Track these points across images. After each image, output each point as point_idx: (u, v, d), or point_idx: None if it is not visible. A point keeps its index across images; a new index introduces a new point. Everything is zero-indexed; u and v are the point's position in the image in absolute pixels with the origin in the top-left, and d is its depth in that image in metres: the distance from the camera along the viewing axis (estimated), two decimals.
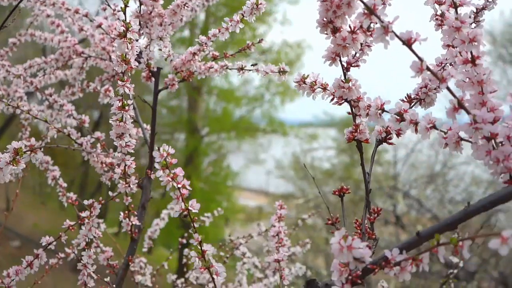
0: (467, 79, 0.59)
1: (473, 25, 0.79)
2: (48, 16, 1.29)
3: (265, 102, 11.94)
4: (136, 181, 0.99)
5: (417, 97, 0.76)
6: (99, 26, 1.09)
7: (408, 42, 0.56)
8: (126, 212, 1.04)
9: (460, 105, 0.57)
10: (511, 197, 0.54)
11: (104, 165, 1.10)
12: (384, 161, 9.34)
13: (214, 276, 0.71)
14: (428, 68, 0.56)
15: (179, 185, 0.68)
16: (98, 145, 1.13)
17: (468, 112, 0.56)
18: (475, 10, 0.80)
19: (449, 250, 0.54)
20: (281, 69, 0.91)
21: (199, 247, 0.71)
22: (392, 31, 0.55)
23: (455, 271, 1.17)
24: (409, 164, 7.20)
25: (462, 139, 0.60)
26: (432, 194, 6.77)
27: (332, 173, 9.96)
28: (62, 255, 1.16)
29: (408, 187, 6.66)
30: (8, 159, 0.74)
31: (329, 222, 0.68)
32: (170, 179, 0.68)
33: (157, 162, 0.67)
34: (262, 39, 1.10)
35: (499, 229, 1.75)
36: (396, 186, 6.05)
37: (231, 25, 0.95)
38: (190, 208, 0.69)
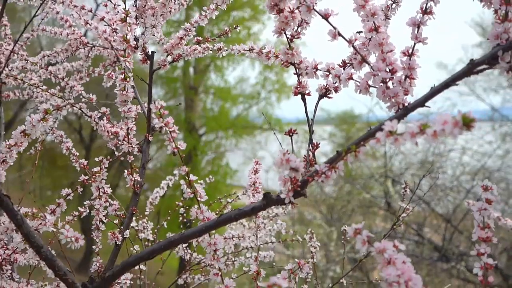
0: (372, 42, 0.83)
1: (394, 5, 1.03)
2: (57, 13, 1.52)
3: (262, 100, 12.19)
4: (137, 142, 1.22)
5: (350, 62, 0.99)
6: (102, 19, 1.32)
7: (325, 16, 0.80)
8: (130, 170, 1.28)
9: (363, 59, 0.80)
10: (401, 118, 0.77)
11: (109, 134, 1.33)
12: (380, 155, 9.59)
13: (198, 198, 0.95)
14: (339, 34, 0.79)
15: (171, 129, 0.92)
16: (104, 118, 1.36)
17: (368, 64, 0.80)
18: None
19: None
20: (251, 48, 1.14)
21: (187, 178, 0.95)
22: (313, 9, 0.79)
23: (404, 215, 1.41)
24: (400, 153, 7.44)
25: (370, 85, 0.84)
26: (423, 181, 7.00)
27: None
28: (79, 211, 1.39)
29: (399, 175, 6.89)
30: (40, 117, 0.97)
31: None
32: (163, 125, 0.91)
33: (153, 112, 0.90)
34: (237, 25, 1.34)
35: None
36: (387, 173, 6.29)
37: (208, 12, 1.20)
38: (179, 146, 0.93)
